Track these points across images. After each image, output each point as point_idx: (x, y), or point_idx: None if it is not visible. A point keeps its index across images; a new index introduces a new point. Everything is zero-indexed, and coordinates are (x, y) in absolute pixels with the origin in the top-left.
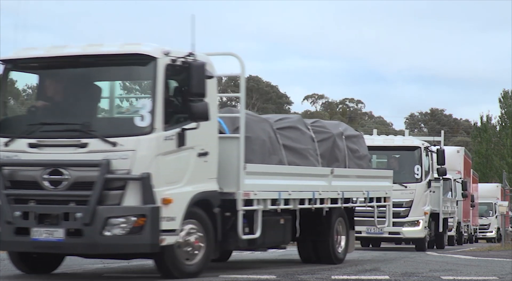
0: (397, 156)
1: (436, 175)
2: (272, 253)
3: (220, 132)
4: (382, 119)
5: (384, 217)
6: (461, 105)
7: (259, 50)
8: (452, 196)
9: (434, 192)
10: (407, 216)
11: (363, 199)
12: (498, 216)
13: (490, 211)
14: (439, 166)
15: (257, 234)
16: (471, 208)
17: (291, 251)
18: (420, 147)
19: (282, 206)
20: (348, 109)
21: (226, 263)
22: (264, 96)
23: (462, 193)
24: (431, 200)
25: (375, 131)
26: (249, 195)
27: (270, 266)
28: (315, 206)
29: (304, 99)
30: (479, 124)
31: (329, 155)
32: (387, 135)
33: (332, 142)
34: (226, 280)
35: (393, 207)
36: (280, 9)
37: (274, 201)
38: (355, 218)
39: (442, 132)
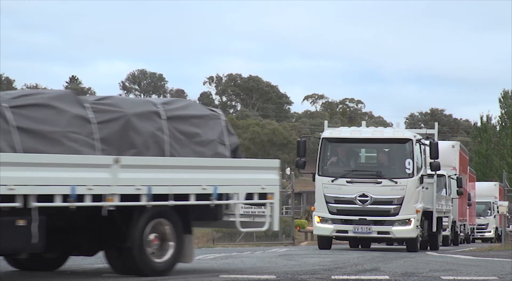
0: (386, 149)
1: (429, 171)
2: (272, 253)
3: None
4: (382, 119)
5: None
6: (461, 105)
7: (259, 50)
8: (446, 193)
9: (427, 188)
10: (397, 214)
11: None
12: (497, 216)
13: (488, 211)
14: (432, 160)
15: None
16: (467, 207)
17: (292, 251)
18: (411, 140)
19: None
20: (348, 109)
21: (226, 263)
22: (264, 96)
23: (457, 190)
24: (424, 197)
25: (363, 123)
26: None
27: (270, 266)
28: (79, 204)
29: (304, 99)
30: (479, 124)
31: (119, 140)
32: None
33: (124, 124)
34: (226, 280)
35: (383, 205)
36: (280, 10)
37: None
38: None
39: (436, 124)
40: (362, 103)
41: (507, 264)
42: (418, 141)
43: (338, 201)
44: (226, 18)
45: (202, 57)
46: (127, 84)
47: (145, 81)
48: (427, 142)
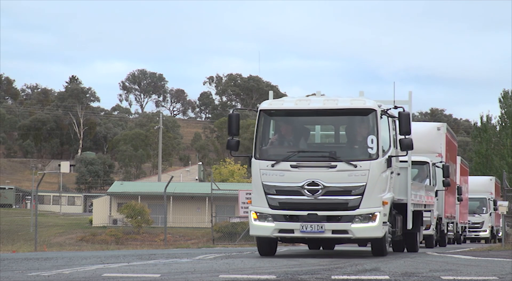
0: (343, 123)
1: (400, 151)
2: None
3: None
4: None
5: None
6: (461, 105)
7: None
8: (431, 184)
9: (398, 174)
10: (358, 207)
11: None
12: (493, 214)
13: (483, 208)
14: (403, 137)
15: None
16: (457, 202)
17: (291, 251)
18: (375, 111)
19: None
20: None
21: (226, 263)
22: (264, 96)
23: (443, 180)
24: (396, 186)
25: (318, 92)
26: None
27: (270, 266)
28: None
29: None
30: (479, 124)
31: None
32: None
33: None
34: (226, 280)
35: (339, 195)
36: (279, 10)
37: None
38: None
39: (410, 91)
40: None
41: (507, 264)
42: (385, 112)
43: (280, 191)
44: (226, 18)
45: (202, 57)
46: (127, 84)
47: (145, 81)
48: (396, 112)
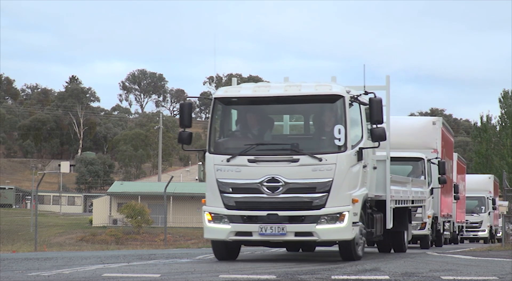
0: (307, 112)
1: (371, 142)
2: (272, 253)
3: None
4: None
5: None
6: (461, 105)
7: (258, 50)
8: (426, 181)
9: (375, 168)
10: (323, 206)
11: None
12: (491, 213)
13: (482, 207)
14: (375, 126)
15: None
16: (454, 201)
17: (292, 251)
18: (343, 97)
19: None
20: None
21: (226, 263)
22: None
23: (439, 178)
24: (371, 181)
25: (286, 78)
26: None
27: (270, 266)
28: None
29: None
30: (479, 124)
31: None
32: None
33: None
34: (226, 280)
35: (301, 193)
36: (279, 10)
37: None
38: None
39: (387, 76)
40: None
41: (507, 264)
42: (355, 99)
43: (236, 189)
44: (226, 18)
45: (202, 57)
46: (127, 84)
47: (145, 81)
48: (367, 98)
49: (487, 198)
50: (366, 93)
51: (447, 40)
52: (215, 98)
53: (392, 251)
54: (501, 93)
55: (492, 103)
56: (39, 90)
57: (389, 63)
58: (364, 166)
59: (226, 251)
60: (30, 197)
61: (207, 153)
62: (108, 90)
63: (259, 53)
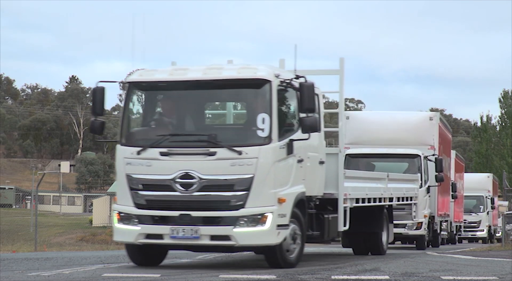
0: (227, 98)
1: (301, 133)
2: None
3: None
4: None
5: None
6: (461, 105)
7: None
8: (422, 179)
9: (322, 163)
10: (242, 206)
11: None
12: (490, 213)
13: (480, 206)
14: (305, 115)
15: None
16: (452, 200)
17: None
18: (269, 82)
19: None
20: (348, 109)
21: (226, 263)
22: None
23: (436, 175)
24: (315, 178)
25: (230, 61)
26: None
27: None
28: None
29: None
30: (479, 124)
31: None
32: None
33: None
34: (226, 280)
35: (218, 191)
36: (279, 10)
37: None
38: None
39: (342, 58)
40: (362, 103)
41: (507, 264)
42: (288, 84)
43: (147, 186)
44: (226, 18)
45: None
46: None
47: None
48: (297, 84)
49: (486, 197)
50: (297, 77)
51: (447, 40)
52: (128, 82)
53: (370, 253)
54: (501, 93)
55: (492, 103)
56: (39, 90)
57: (389, 63)
58: (300, 161)
59: (141, 255)
60: (30, 197)
61: (117, 145)
62: (108, 90)
63: (259, 53)
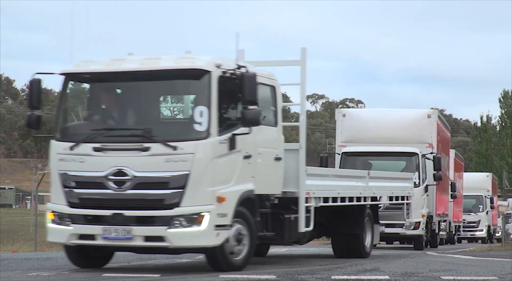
0: (164, 90)
1: (243, 126)
2: (272, 253)
3: None
4: None
5: None
6: (461, 105)
7: (258, 50)
8: (420, 178)
9: (279, 159)
10: (177, 205)
11: None
12: (489, 212)
13: (479, 206)
14: (246, 107)
15: None
16: (451, 200)
17: (291, 251)
18: (209, 72)
19: None
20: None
21: None
22: None
23: (434, 174)
24: (268, 175)
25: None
26: None
27: (270, 266)
28: None
29: None
30: (479, 124)
31: None
32: None
33: None
34: (226, 280)
35: (152, 189)
36: (279, 10)
37: None
38: None
39: (303, 48)
40: (362, 103)
41: (507, 264)
42: (231, 74)
43: (80, 183)
44: (226, 18)
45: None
46: None
47: None
48: (239, 73)
49: (485, 197)
50: (238, 67)
51: (447, 40)
52: (63, 74)
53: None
54: (501, 93)
55: (492, 103)
56: None
57: (389, 63)
58: (247, 157)
59: (82, 256)
60: (30, 197)
61: (52, 140)
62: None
63: (259, 53)
